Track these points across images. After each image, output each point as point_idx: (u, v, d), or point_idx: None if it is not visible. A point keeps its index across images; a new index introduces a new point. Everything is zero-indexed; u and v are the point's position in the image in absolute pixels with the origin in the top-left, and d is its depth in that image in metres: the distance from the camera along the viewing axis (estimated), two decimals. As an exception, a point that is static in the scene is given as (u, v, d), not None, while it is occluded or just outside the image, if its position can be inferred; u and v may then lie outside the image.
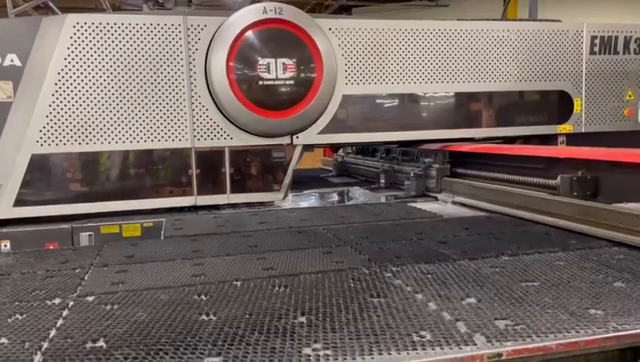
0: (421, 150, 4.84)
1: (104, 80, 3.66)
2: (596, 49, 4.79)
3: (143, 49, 3.72)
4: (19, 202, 3.57)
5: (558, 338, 1.51)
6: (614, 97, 4.88)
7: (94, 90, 3.65)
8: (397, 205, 4.10)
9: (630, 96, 4.93)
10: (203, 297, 1.93)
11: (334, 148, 6.79)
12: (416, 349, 1.45)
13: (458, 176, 4.34)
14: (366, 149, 6.27)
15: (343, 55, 4.13)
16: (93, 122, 3.66)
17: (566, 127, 4.77)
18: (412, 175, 4.53)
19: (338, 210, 3.92)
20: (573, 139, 4.79)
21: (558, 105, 4.75)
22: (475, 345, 1.47)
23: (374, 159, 5.87)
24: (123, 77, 3.69)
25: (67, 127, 3.62)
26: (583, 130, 4.80)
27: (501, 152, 3.93)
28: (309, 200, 4.77)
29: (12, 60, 3.50)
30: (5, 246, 3.42)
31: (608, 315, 1.66)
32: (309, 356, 1.42)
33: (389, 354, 1.43)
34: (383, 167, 5.20)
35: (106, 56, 3.66)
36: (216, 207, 3.98)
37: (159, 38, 3.74)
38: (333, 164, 6.58)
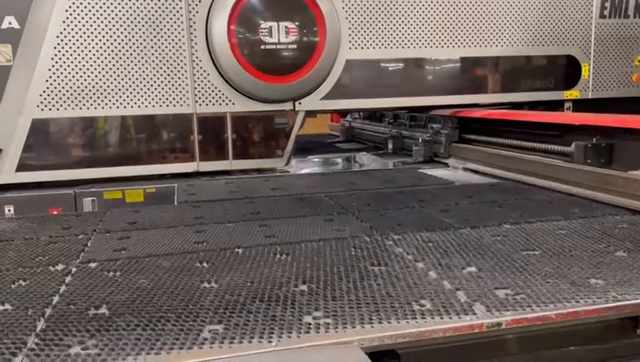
0: (429, 116, 4.78)
1: (104, 44, 3.60)
2: (606, 12, 4.68)
3: (142, 11, 3.64)
4: (21, 167, 3.57)
5: (557, 307, 1.51)
6: (623, 62, 4.79)
7: (94, 54, 3.60)
8: (408, 171, 4.09)
9: (639, 61, 4.83)
10: (205, 264, 1.94)
11: (342, 113, 6.73)
12: (416, 318, 1.45)
13: (467, 142, 4.30)
14: (374, 115, 6.21)
15: (346, 18, 4.05)
16: (93, 87, 3.62)
17: (573, 93, 4.70)
18: (420, 141, 4.50)
19: (348, 177, 3.92)
20: (580, 105, 4.73)
21: (566, 70, 4.67)
22: (475, 314, 1.47)
23: (382, 125, 5.82)
24: (123, 40, 3.63)
25: (67, 91, 3.58)
26: (590, 96, 4.73)
27: (512, 118, 3.87)
28: (317, 166, 4.76)
29: (10, 23, 3.44)
30: (9, 210, 3.44)
31: (609, 285, 1.66)
32: (310, 324, 1.43)
33: (389, 322, 1.43)
34: (390, 133, 5.16)
35: (105, 18, 3.59)
36: (228, 172, 3.97)
37: (159, 0, 3.66)
38: (341, 129, 6.53)
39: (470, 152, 4.13)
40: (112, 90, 3.66)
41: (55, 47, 3.53)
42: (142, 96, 3.71)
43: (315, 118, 4.82)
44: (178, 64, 3.75)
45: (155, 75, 3.71)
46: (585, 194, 2.90)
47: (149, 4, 3.65)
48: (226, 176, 3.95)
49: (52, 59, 3.53)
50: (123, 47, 3.64)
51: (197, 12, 3.74)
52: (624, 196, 2.67)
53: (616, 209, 2.61)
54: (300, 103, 4.03)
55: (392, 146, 5.00)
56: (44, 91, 3.54)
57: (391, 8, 4.14)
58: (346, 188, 3.41)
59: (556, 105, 4.71)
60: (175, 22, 3.71)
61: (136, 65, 3.67)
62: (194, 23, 3.74)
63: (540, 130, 3.60)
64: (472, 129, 4.33)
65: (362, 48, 4.12)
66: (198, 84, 3.81)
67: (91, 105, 3.63)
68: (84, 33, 3.57)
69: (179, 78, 3.76)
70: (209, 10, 3.74)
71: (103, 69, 3.62)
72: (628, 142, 3.02)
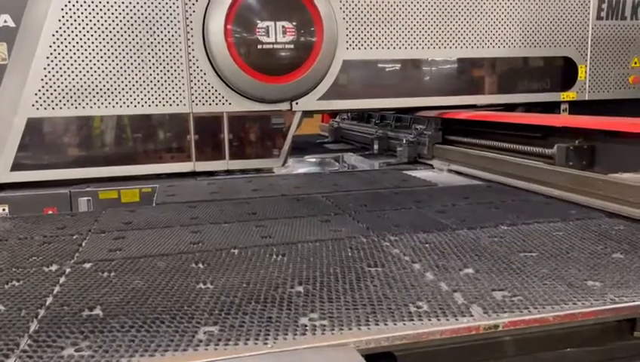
0: (414, 117, 4.78)
1: (100, 42, 3.59)
2: (603, 14, 4.68)
3: (139, 10, 3.63)
4: (16, 166, 3.55)
5: (555, 309, 1.50)
6: (620, 64, 4.80)
7: (90, 53, 3.58)
8: (391, 172, 4.07)
9: (636, 63, 4.84)
10: (200, 265, 1.93)
11: (334, 114, 6.73)
12: (413, 320, 1.44)
13: (450, 144, 4.29)
14: (362, 115, 6.19)
15: (344, 19, 4.04)
16: (89, 86, 3.60)
17: (569, 95, 4.70)
18: (404, 142, 4.51)
19: (332, 177, 3.90)
20: (576, 106, 4.73)
21: (562, 71, 4.67)
22: (472, 316, 1.46)
23: (369, 125, 5.80)
24: (119, 39, 3.62)
25: (63, 90, 3.56)
26: (587, 98, 4.73)
27: (495, 120, 3.87)
28: (303, 166, 4.73)
29: (5, 21, 3.42)
30: (4, 210, 3.42)
31: (606, 287, 1.65)
32: (306, 326, 1.42)
33: (386, 324, 1.42)
34: (376, 134, 5.15)
35: (102, 17, 3.57)
36: (211, 172, 3.96)
37: (155, -1, 3.65)
38: (329, 129, 6.52)
39: (453, 154, 4.13)
40: (108, 89, 3.64)
41: (51, 46, 3.51)
42: (138, 95, 3.70)
43: (310, 118, 4.80)
44: (175, 63, 3.73)
45: (151, 75, 3.70)
46: (565, 196, 2.89)
47: (145, 2, 3.63)
48: (210, 176, 3.93)
49: (47, 58, 3.51)
50: (119, 46, 3.62)
51: (194, 11, 3.73)
52: (603, 199, 2.66)
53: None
54: (297, 103, 4.02)
55: (377, 147, 4.99)
56: (39, 90, 3.52)
57: (388, 9, 4.14)
58: (329, 189, 3.37)
59: (553, 107, 4.72)
60: (172, 21, 3.69)
61: (132, 64, 3.66)
62: (191, 22, 3.73)
63: (523, 131, 3.59)
64: (455, 130, 4.32)
65: (359, 49, 4.11)
66: (195, 84, 3.79)
67: (87, 104, 3.61)
68: (80, 32, 3.55)
69: (175, 77, 3.75)
70: (206, 9, 3.73)
71: (98, 68, 3.60)
72: (609, 144, 3.02)
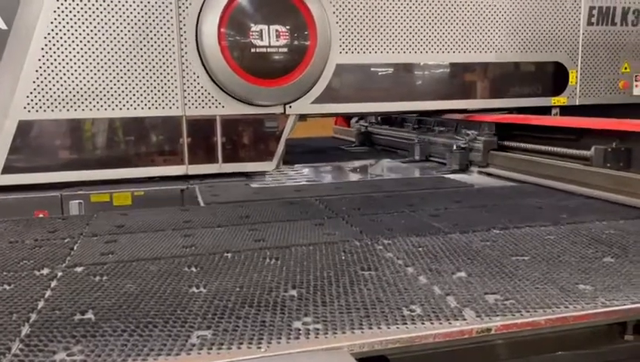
0: (462, 121, 4.57)
1: (92, 45, 3.57)
2: (594, 20, 4.72)
3: (132, 13, 3.61)
4: (7, 169, 3.52)
5: (547, 313, 1.51)
6: (610, 69, 4.84)
7: (82, 56, 3.56)
8: (428, 177, 4.12)
9: (626, 68, 4.89)
10: (193, 269, 1.92)
11: (348, 116, 6.65)
12: (406, 324, 1.45)
13: (506, 150, 4.11)
14: (393, 119, 6.03)
15: (337, 22, 4.05)
16: (81, 88, 3.58)
17: (560, 100, 4.73)
18: (455, 148, 4.28)
19: (373, 181, 4.01)
20: (567, 111, 4.76)
21: (553, 76, 4.70)
22: (465, 320, 1.47)
23: (405, 130, 5.58)
24: (112, 42, 3.60)
25: (55, 93, 3.54)
26: (577, 103, 4.77)
27: (556, 125, 3.78)
28: (332, 172, 4.69)
29: (-3, 23, 3.40)
30: (-6, 213, 3.39)
31: (597, 291, 1.66)
32: (299, 330, 1.42)
33: (379, 328, 1.43)
34: (417, 139, 4.99)
35: (94, 20, 3.56)
36: (246, 174, 3.99)
37: (149, 2, 3.64)
38: (355, 134, 6.37)
39: (512, 161, 3.93)
40: (101, 91, 3.62)
41: (42, 49, 3.49)
42: (130, 98, 3.68)
43: (316, 120, 4.72)
44: (168, 66, 3.72)
45: (144, 77, 3.68)
46: (605, 196, 3.00)
47: (138, 5, 3.62)
48: (245, 177, 3.97)
49: (39, 60, 3.49)
50: (112, 49, 3.61)
51: (187, 14, 3.72)
52: None
53: (603, 215, 2.63)
54: (290, 107, 4.01)
55: (419, 153, 4.85)
56: (31, 92, 3.50)
57: (381, 14, 4.15)
58: (370, 189, 3.49)
59: (544, 112, 4.74)
60: (165, 24, 3.68)
61: (125, 66, 3.64)
62: (184, 25, 3.72)
63: (587, 137, 3.49)
64: (512, 136, 4.11)
65: (353, 53, 4.12)
66: (188, 87, 3.78)
67: (79, 107, 3.59)
68: (73, 34, 3.53)
69: (168, 80, 3.73)
70: (199, 12, 3.72)
71: (91, 70, 3.59)
72: None
